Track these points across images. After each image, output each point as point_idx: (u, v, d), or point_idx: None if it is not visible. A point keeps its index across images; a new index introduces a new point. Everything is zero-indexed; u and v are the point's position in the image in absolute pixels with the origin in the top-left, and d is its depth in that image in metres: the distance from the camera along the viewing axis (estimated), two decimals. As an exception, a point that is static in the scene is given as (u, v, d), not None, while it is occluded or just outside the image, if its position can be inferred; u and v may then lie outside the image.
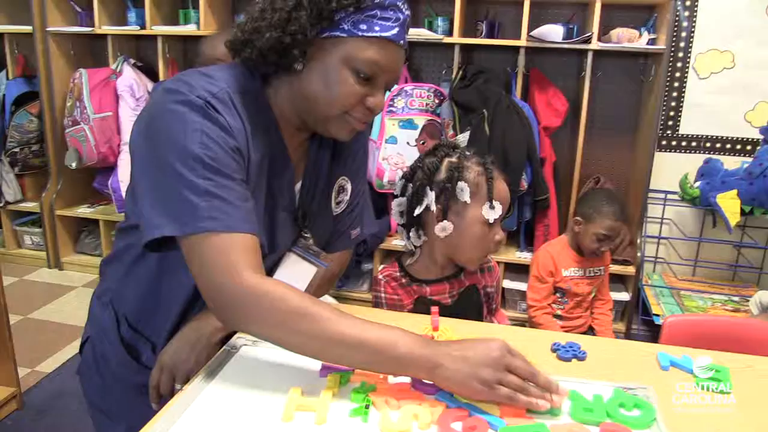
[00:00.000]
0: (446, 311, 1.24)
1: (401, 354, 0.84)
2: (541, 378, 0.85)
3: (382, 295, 1.32)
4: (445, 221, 1.22)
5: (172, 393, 1.02)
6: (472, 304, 1.34)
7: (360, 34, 0.91)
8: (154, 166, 0.90)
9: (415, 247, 1.32)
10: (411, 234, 1.30)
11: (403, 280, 1.31)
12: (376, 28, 0.91)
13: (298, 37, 0.92)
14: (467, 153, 1.28)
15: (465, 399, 0.85)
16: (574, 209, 2.30)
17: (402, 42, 0.95)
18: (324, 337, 0.85)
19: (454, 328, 1.06)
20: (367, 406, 0.84)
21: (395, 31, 0.93)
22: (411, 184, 1.28)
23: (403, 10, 0.94)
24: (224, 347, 1.01)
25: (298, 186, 1.10)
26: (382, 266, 1.40)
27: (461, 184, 1.20)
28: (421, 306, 1.29)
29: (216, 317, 0.94)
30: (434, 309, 1.10)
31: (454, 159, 1.25)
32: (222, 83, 0.95)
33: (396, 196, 1.33)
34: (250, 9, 0.97)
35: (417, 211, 1.25)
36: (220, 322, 0.97)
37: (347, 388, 0.90)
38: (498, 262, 2.78)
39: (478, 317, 1.35)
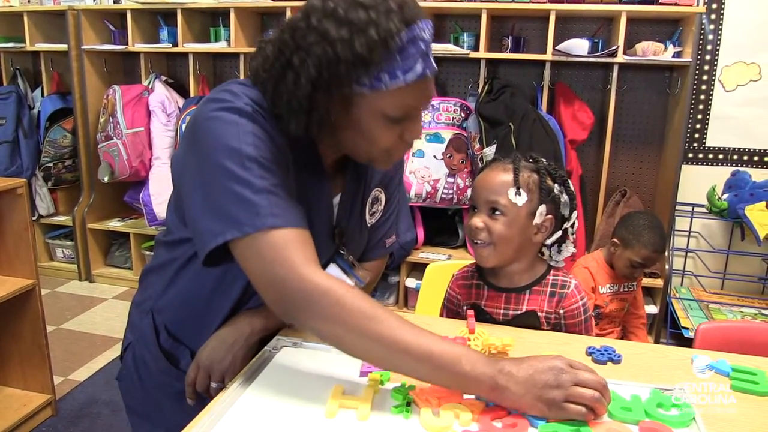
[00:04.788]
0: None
1: (465, 371, 0.82)
2: (608, 393, 0.84)
3: (448, 290, 1.34)
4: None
5: (208, 391, 1.04)
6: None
7: (385, 87, 0.89)
8: (207, 173, 0.90)
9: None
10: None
11: (471, 280, 1.29)
12: (399, 75, 0.89)
13: (316, 113, 0.92)
14: (523, 159, 1.25)
15: None
16: (614, 228, 2.24)
17: (428, 72, 0.91)
18: (389, 343, 0.83)
19: (490, 332, 1.07)
20: (408, 404, 0.86)
21: (419, 67, 0.89)
22: None
23: (424, 36, 0.90)
24: (265, 348, 1.04)
25: (336, 200, 1.11)
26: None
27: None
28: (477, 315, 1.22)
29: (274, 310, 0.91)
30: (470, 312, 1.12)
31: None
32: (263, 99, 0.96)
33: None
34: (261, 60, 0.94)
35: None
36: (278, 315, 0.94)
37: (387, 387, 0.91)
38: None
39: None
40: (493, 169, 1.20)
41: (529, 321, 1.20)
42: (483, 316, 1.23)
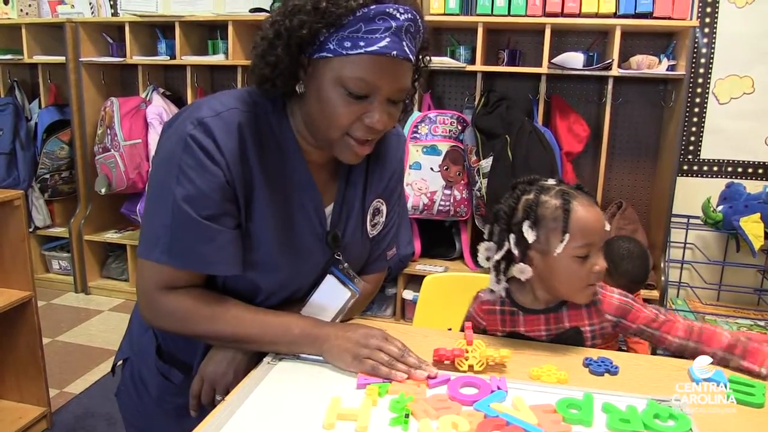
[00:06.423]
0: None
1: (296, 335, 1.02)
2: (410, 359, 1.00)
3: (471, 310, 1.27)
4: (521, 264, 1.14)
5: (212, 403, 1.05)
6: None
7: (345, 52, 0.89)
8: (149, 190, 1.03)
9: (491, 291, 1.23)
10: (491, 277, 1.21)
11: (501, 306, 1.22)
12: (361, 44, 0.89)
13: (279, 67, 0.94)
14: (547, 184, 1.18)
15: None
16: None
17: (396, 52, 0.90)
18: (232, 335, 1.02)
19: (487, 343, 1.08)
20: (406, 416, 0.87)
21: (385, 42, 0.89)
22: (496, 226, 1.20)
23: (398, 16, 0.89)
24: (264, 360, 1.04)
25: (328, 209, 1.11)
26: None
27: (526, 224, 1.12)
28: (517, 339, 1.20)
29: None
30: (467, 324, 1.12)
31: (531, 196, 1.15)
32: (234, 102, 0.99)
33: (484, 240, 1.24)
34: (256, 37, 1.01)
35: (497, 257, 1.18)
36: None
37: (386, 399, 0.92)
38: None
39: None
40: (587, 206, 1.12)
41: (573, 337, 1.19)
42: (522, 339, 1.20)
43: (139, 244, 1.02)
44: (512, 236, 1.15)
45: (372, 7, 0.88)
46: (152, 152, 3.35)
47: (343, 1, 0.88)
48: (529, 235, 1.12)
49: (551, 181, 1.19)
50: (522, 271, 1.14)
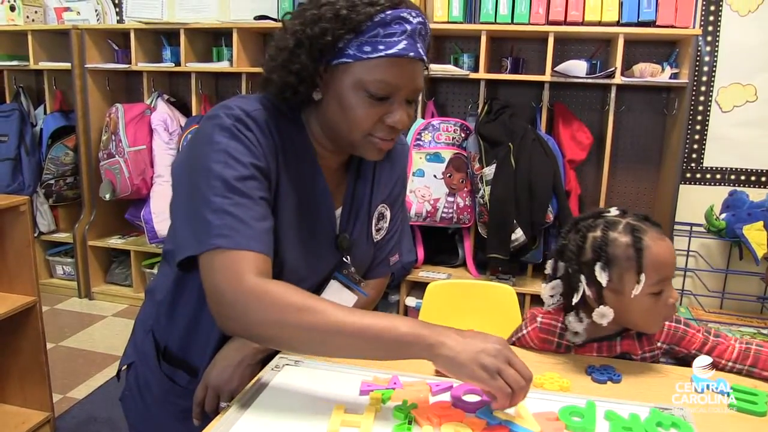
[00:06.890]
0: None
1: (402, 334, 0.84)
2: (528, 388, 0.84)
3: (524, 332, 1.24)
4: (603, 307, 1.11)
5: (216, 411, 1.05)
6: None
7: (365, 57, 0.93)
8: (184, 186, 0.98)
9: (576, 333, 1.18)
10: (571, 319, 1.16)
11: (559, 339, 1.20)
12: (381, 47, 0.92)
13: (303, 74, 0.96)
14: (612, 217, 1.14)
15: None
16: None
17: (412, 54, 0.94)
18: (322, 328, 0.85)
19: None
20: (410, 422, 0.87)
21: (402, 45, 0.93)
22: (561, 263, 1.18)
23: (411, 19, 0.94)
24: (267, 367, 1.05)
25: (338, 211, 1.13)
26: (547, 307, 1.24)
27: (598, 266, 1.09)
28: None
29: (220, 326, 0.93)
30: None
31: (597, 233, 1.11)
32: (259, 104, 1.00)
33: (548, 276, 1.23)
34: (268, 48, 1.03)
35: (574, 300, 1.13)
36: (224, 330, 0.95)
37: (389, 406, 0.92)
38: (525, 294, 2.82)
39: None
40: (658, 240, 1.09)
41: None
42: None
43: (183, 247, 0.94)
44: (583, 277, 1.12)
45: (388, 12, 0.93)
46: (156, 158, 3.37)
47: (362, 7, 0.92)
48: (602, 278, 1.09)
49: (614, 212, 1.16)
50: (603, 314, 1.11)
